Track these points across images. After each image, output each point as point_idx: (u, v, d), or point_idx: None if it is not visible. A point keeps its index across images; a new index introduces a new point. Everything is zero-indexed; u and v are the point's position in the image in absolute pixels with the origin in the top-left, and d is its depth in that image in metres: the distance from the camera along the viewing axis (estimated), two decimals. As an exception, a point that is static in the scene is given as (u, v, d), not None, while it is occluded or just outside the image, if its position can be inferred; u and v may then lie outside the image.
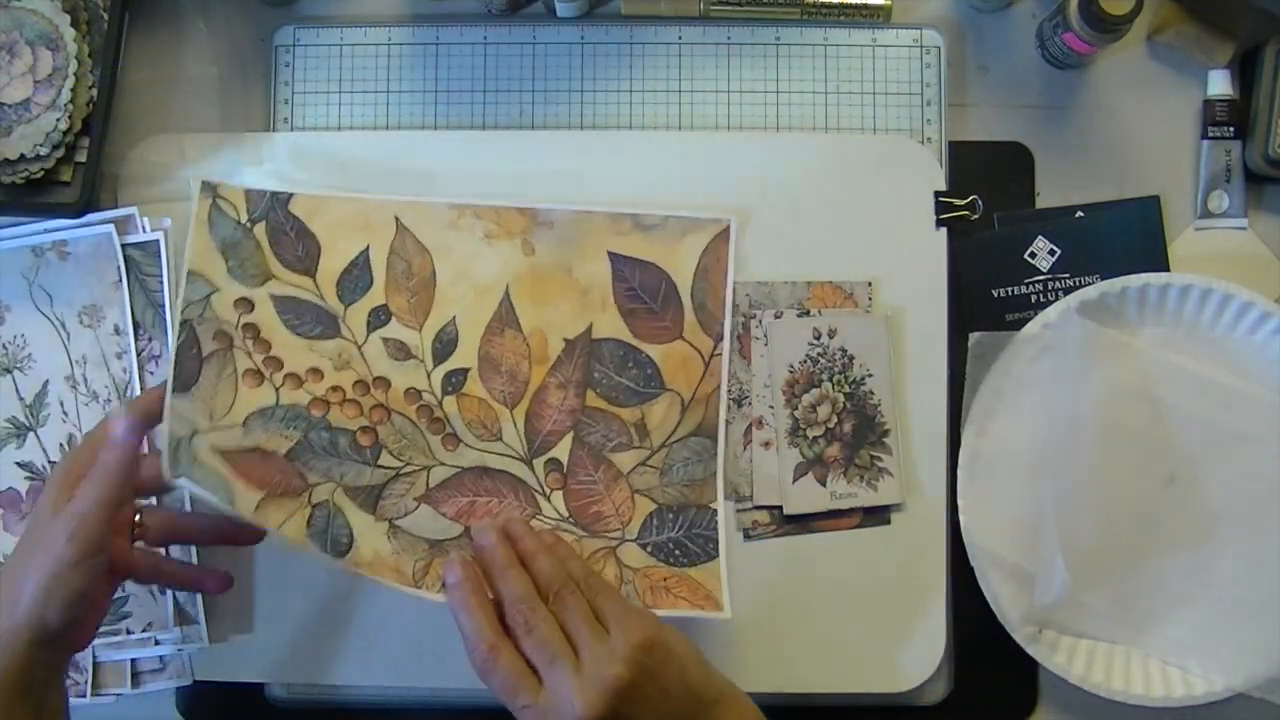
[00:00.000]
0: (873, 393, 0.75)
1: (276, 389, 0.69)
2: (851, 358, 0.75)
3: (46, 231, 0.77)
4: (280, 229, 0.73)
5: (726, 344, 0.71)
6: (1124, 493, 0.74)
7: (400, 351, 0.71)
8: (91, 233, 0.76)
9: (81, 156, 0.75)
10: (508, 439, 0.71)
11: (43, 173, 0.74)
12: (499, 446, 0.71)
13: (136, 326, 0.75)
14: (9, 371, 0.77)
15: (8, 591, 0.59)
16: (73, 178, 0.75)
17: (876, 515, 0.75)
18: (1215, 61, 0.78)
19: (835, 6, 0.79)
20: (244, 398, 0.69)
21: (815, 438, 0.75)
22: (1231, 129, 0.78)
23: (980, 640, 0.75)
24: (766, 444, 0.75)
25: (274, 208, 0.73)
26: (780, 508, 0.74)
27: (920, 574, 0.74)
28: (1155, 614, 0.73)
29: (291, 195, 0.74)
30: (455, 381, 0.71)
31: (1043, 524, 0.72)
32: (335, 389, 0.70)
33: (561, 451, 0.72)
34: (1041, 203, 0.79)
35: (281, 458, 0.68)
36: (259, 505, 0.65)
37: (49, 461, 0.76)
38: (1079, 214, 0.78)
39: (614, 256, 0.73)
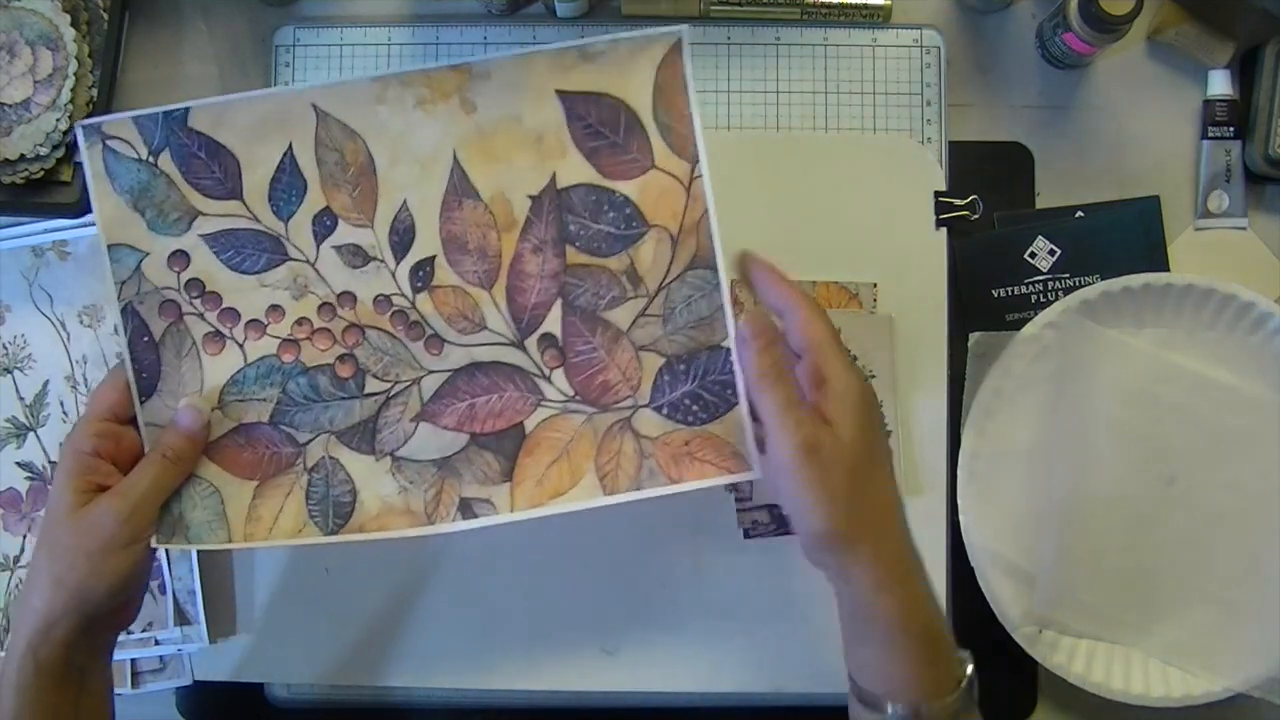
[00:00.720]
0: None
1: (241, 345, 0.65)
2: (854, 358, 0.75)
3: (47, 231, 0.77)
4: (187, 152, 0.64)
5: (704, 163, 0.64)
6: (1124, 493, 0.74)
7: (357, 257, 0.65)
8: (91, 233, 0.76)
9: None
10: (493, 325, 0.65)
11: (43, 173, 0.74)
12: (485, 336, 0.65)
13: None
14: (9, 371, 0.77)
15: (44, 577, 0.59)
16: (73, 178, 0.75)
17: (877, 515, 0.75)
18: (1215, 61, 0.78)
19: (835, 6, 0.79)
20: (211, 370, 0.65)
21: (816, 438, 0.75)
22: (1231, 129, 0.78)
23: (980, 640, 0.74)
24: (767, 444, 0.75)
25: (172, 130, 0.64)
26: (780, 507, 0.74)
27: (920, 574, 0.74)
28: (1155, 614, 0.73)
29: (188, 109, 0.64)
30: (423, 274, 0.65)
31: (1043, 524, 0.72)
32: (301, 322, 0.65)
33: (553, 324, 0.65)
34: (1041, 203, 0.79)
35: (266, 425, 0.65)
36: (254, 496, 0.64)
37: (49, 461, 0.76)
38: (1079, 214, 0.78)
39: (563, 95, 0.64)
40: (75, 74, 0.74)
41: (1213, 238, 0.78)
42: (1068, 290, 0.76)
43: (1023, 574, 0.73)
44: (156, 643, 0.74)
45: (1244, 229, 0.78)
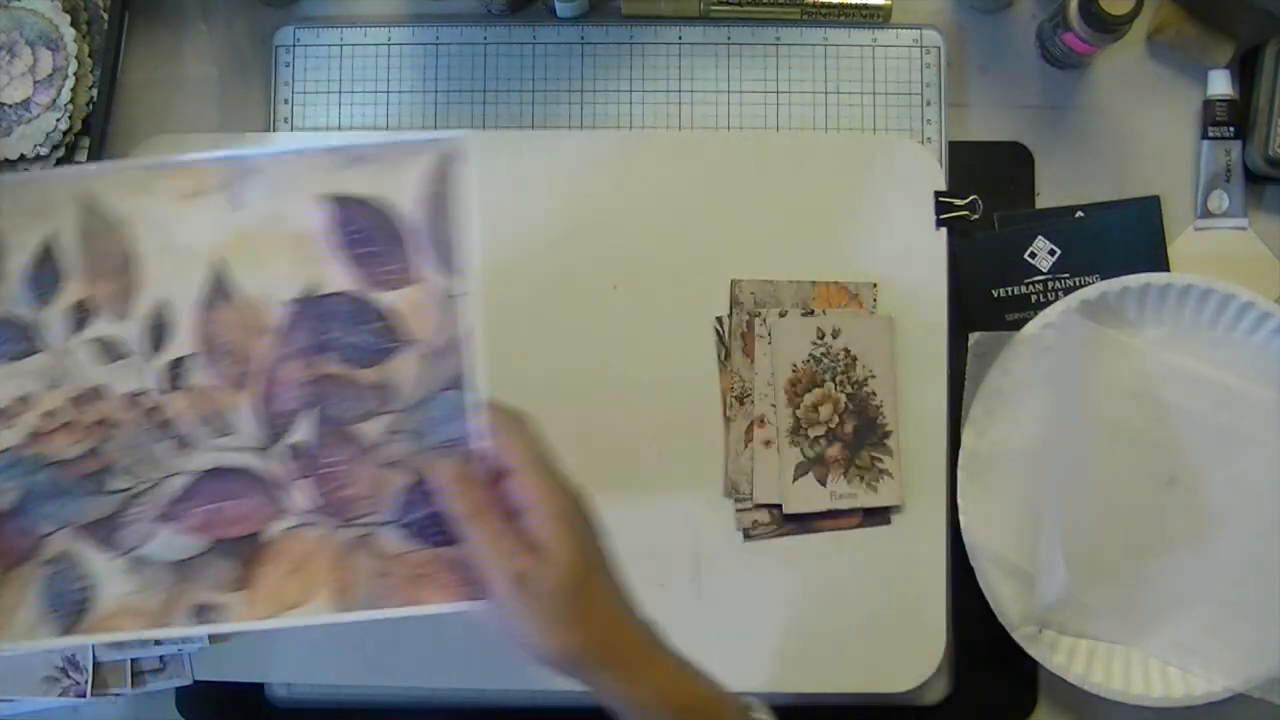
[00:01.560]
0: (875, 394, 0.75)
1: None
2: (854, 359, 0.75)
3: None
4: None
5: (471, 279, 0.61)
6: (1124, 493, 0.74)
7: (110, 351, 0.62)
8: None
9: (81, 156, 0.75)
10: (243, 429, 0.62)
11: (43, 173, 0.74)
12: (234, 440, 0.62)
13: None
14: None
15: None
16: (73, 178, 0.75)
17: (876, 515, 0.75)
18: (1215, 61, 0.78)
19: (835, 6, 0.79)
20: None
21: (816, 438, 0.75)
22: (1231, 129, 0.78)
23: (980, 640, 0.75)
24: (767, 443, 0.75)
25: None
26: (780, 507, 0.74)
27: (920, 574, 0.74)
28: (1155, 614, 0.73)
29: None
30: (177, 373, 0.62)
31: (1043, 524, 0.72)
32: (48, 414, 0.62)
33: (303, 433, 0.62)
34: (1041, 203, 0.79)
35: (6, 515, 0.62)
36: None
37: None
38: (1079, 214, 0.78)
39: (330, 199, 0.62)
40: (75, 74, 0.74)
41: (1213, 238, 0.78)
42: (1068, 290, 0.76)
43: (1023, 574, 0.73)
44: (157, 643, 0.74)
45: (1244, 229, 0.78)
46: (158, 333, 0.63)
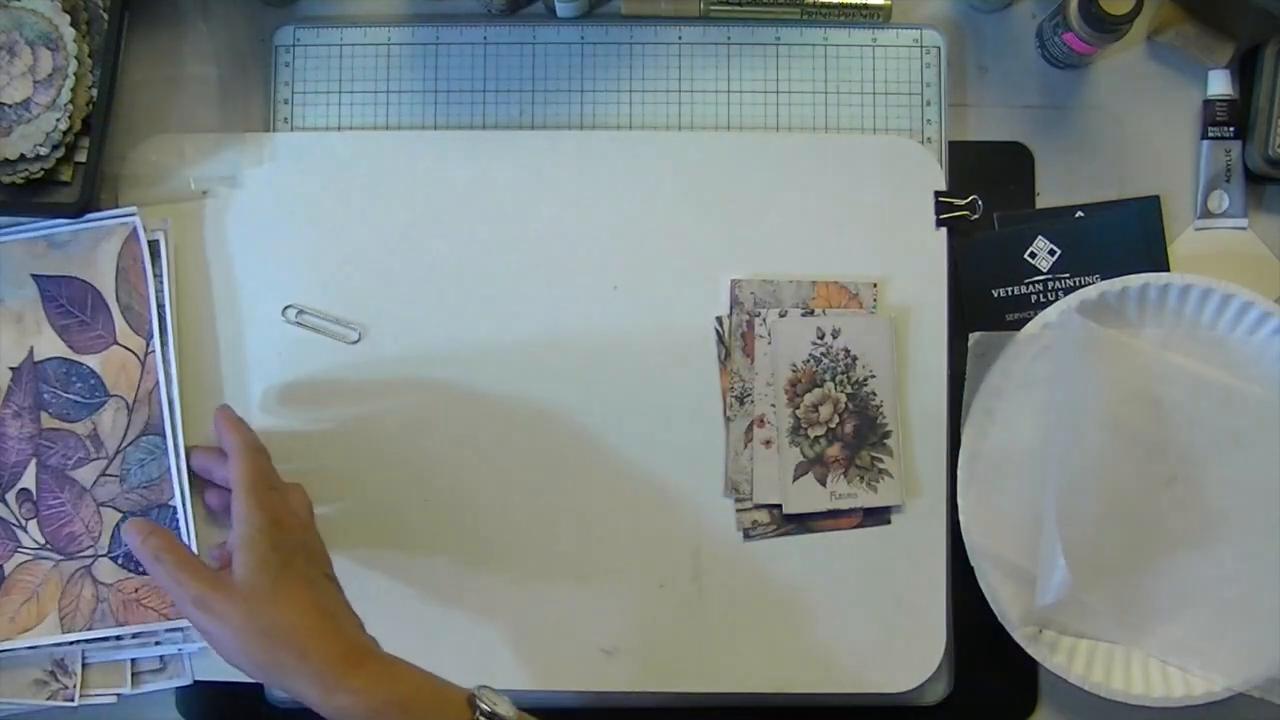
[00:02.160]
0: (875, 394, 0.75)
1: None
2: (855, 358, 0.75)
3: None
4: None
5: (158, 339, 0.72)
6: (1124, 493, 0.74)
7: None
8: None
9: (81, 156, 0.75)
10: None
11: (43, 173, 0.74)
12: None
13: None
14: None
15: None
16: (73, 178, 0.75)
17: (876, 515, 0.75)
18: (1215, 61, 0.78)
19: (835, 6, 0.79)
20: None
21: (816, 437, 0.75)
22: (1231, 129, 0.78)
23: (980, 640, 0.75)
24: (767, 443, 0.75)
25: None
26: (780, 507, 0.74)
27: (920, 574, 0.74)
28: (1155, 614, 0.73)
29: None
30: None
31: (1043, 524, 0.72)
32: None
33: (29, 480, 0.73)
34: (1041, 203, 0.79)
35: None
36: None
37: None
38: (1079, 214, 0.78)
39: (38, 278, 0.74)
40: (75, 74, 0.74)
41: (1213, 238, 0.78)
42: (1068, 290, 0.76)
43: (1023, 574, 0.73)
44: (157, 643, 0.74)
45: (1244, 229, 0.78)
46: None
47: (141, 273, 0.72)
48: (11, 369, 0.73)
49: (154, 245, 0.73)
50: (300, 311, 0.77)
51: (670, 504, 0.75)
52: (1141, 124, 0.79)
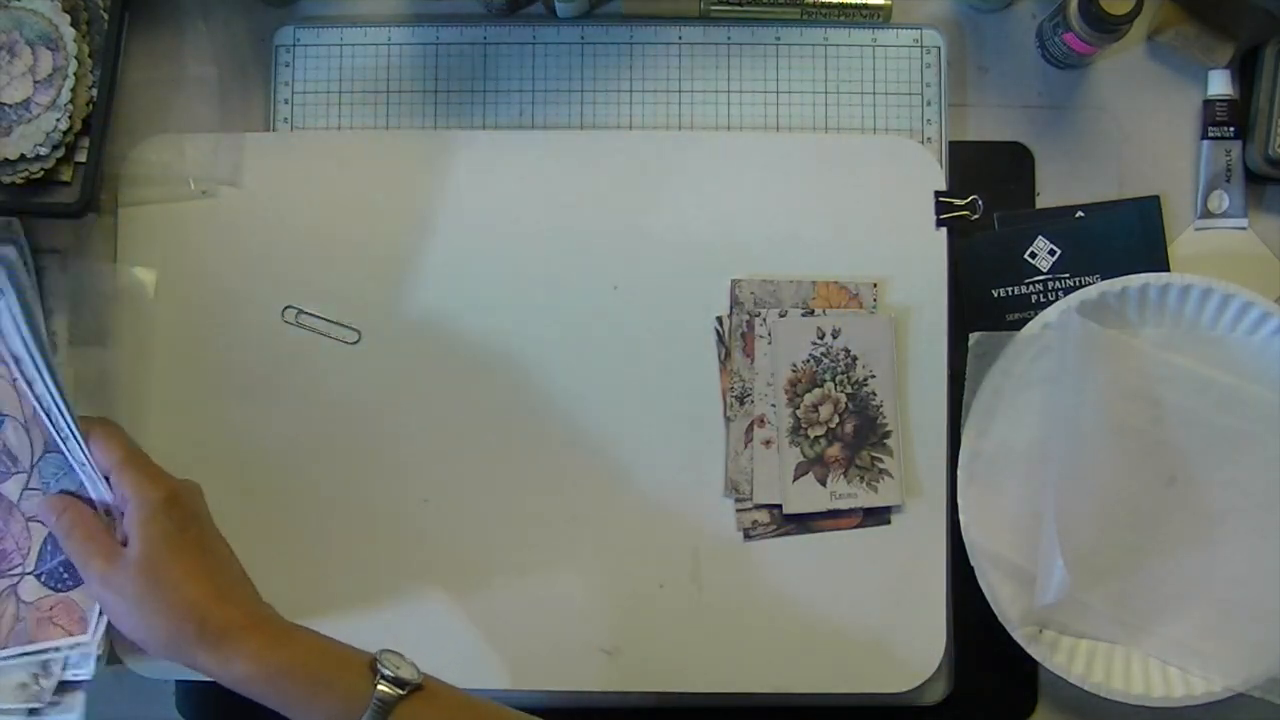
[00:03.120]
0: (875, 394, 0.75)
1: None
2: (855, 358, 0.75)
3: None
4: None
5: (15, 368, 0.68)
6: (1124, 493, 0.74)
7: None
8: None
9: (81, 156, 0.75)
10: None
11: (43, 173, 0.74)
12: None
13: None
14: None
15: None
16: (73, 178, 0.75)
17: (876, 515, 0.75)
18: (1215, 61, 0.78)
19: (835, 6, 0.79)
20: None
21: (816, 437, 0.75)
22: (1231, 129, 0.78)
23: (980, 640, 0.75)
24: (767, 443, 0.75)
25: None
26: (780, 507, 0.74)
27: (920, 574, 0.74)
28: (1155, 614, 0.73)
29: None
30: None
31: (1043, 524, 0.72)
32: None
33: None
34: (1041, 203, 0.79)
35: None
36: None
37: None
38: (1079, 214, 0.78)
39: None
40: (75, 74, 0.74)
41: (1213, 238, 0.78)
42: (1068, 290, 0.76)
43: (1023, 574, 0.73)
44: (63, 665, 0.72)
45: (1244, 229, 0.78)
46: None
47: None
48: None
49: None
50: (300, 312, 0.77)
51: (670, 504, 0.75)
52: (1141, 124, 0.79)
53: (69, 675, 0.70)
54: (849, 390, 0.75)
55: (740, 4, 0.79)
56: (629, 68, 0.79)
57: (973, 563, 0.73)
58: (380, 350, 0.77)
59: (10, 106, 0.74)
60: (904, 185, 0.77)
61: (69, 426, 0.67)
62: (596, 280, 0.77)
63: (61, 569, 0.70)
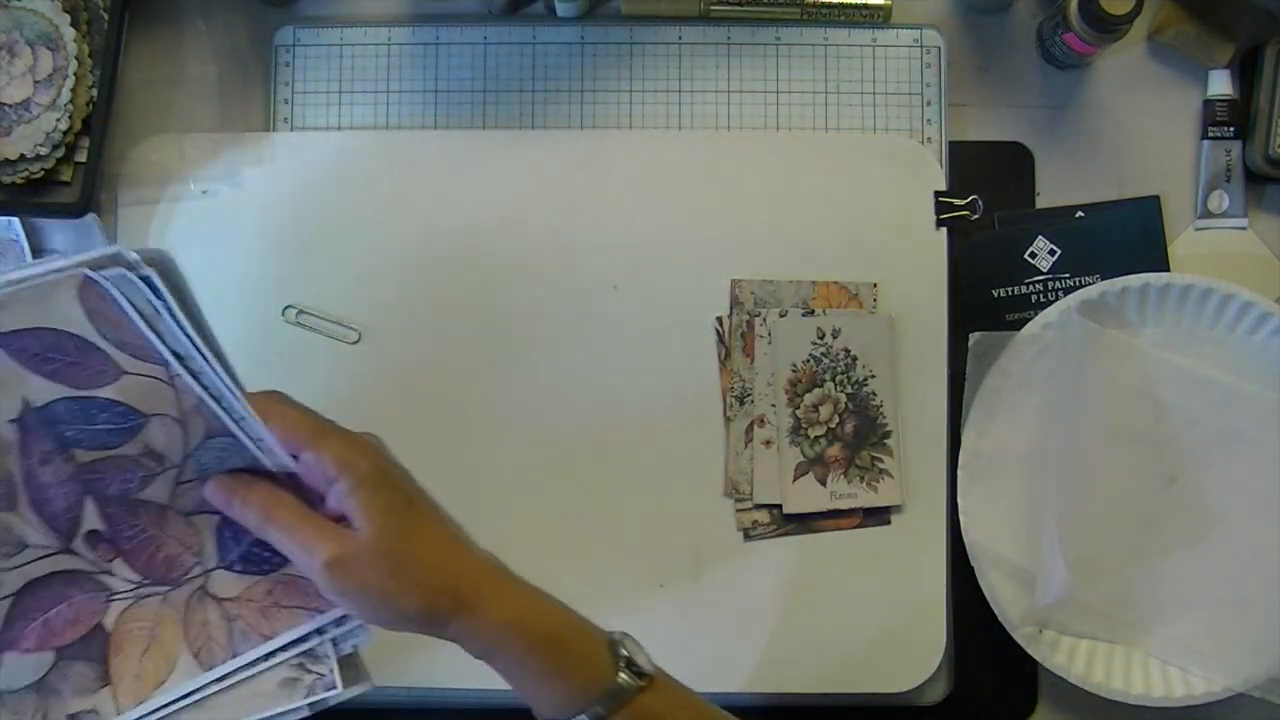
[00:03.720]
0: (875, 394, 0.75)
1: None
2: (855, 358, 0.75)
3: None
4: None
5: (178, 365, 0.58)
6: (1124, 493, 0.74)
7: None
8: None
9: (81, 156, 0.75)
10: (34, 541, 0.60)
11: (43, 173, 0.74)
12: (31, 553, 0.60)
13: None
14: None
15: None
16: (73, 178, 0.75)
17: (876, 515, 0.75)
18: (1215, 61, 0.78)
19: (835, 6, 0.79)
20: None
21: (816, 437, 0.75)
22: (1231, 129, 0.78)
23: (980, 640, 0.75)
24: (767, 442, 0.75)
25: None
26: (780, 507, 0.74)
27: (920, 574, 0.74)
28: (1155, 614, 0.73)
29: None
30: None
31: (1043, 524, 0.72)
32: None
33: (93, 519, 0.60)
34: (1041, 203, 0.79)
35: None
36: None
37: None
38: (1079, 214, 0.78)
39: None
40: (75, 74, 0.74)
41: (1213, 238, 0.78)
42: (1068, 290, 0.76)
43: (1023, 574, 0.73)
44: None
45: (1244, 229, 0.78)
46: None
47: (122, 313, 0.57)
48: (13, 420, 0.60)
49: (148, 281, 0.57)
50: (300, 311, 0.77)
51: (670, 504, 0.75)
52: (1141, 124, 0.79)
53: (346, 648, 0.61)
54: (849, 390, 0.75)
55: (740, 4, 0.79)
56: (629, 68, 0.79)
57: (973, 563, 0.73)
58: (380, 350, 0.77)
59: (10, 106, 0.74)
60: (904, 185, 0.77)
61: (242, 407, 0.57)
62: (596, 280, 0.77)
63: (257, 550, 0.60)
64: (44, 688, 0.60)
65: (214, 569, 0.61)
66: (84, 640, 0.60)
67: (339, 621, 0.59)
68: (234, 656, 0.60)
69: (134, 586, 0.61)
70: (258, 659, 0.60)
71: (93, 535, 0.61)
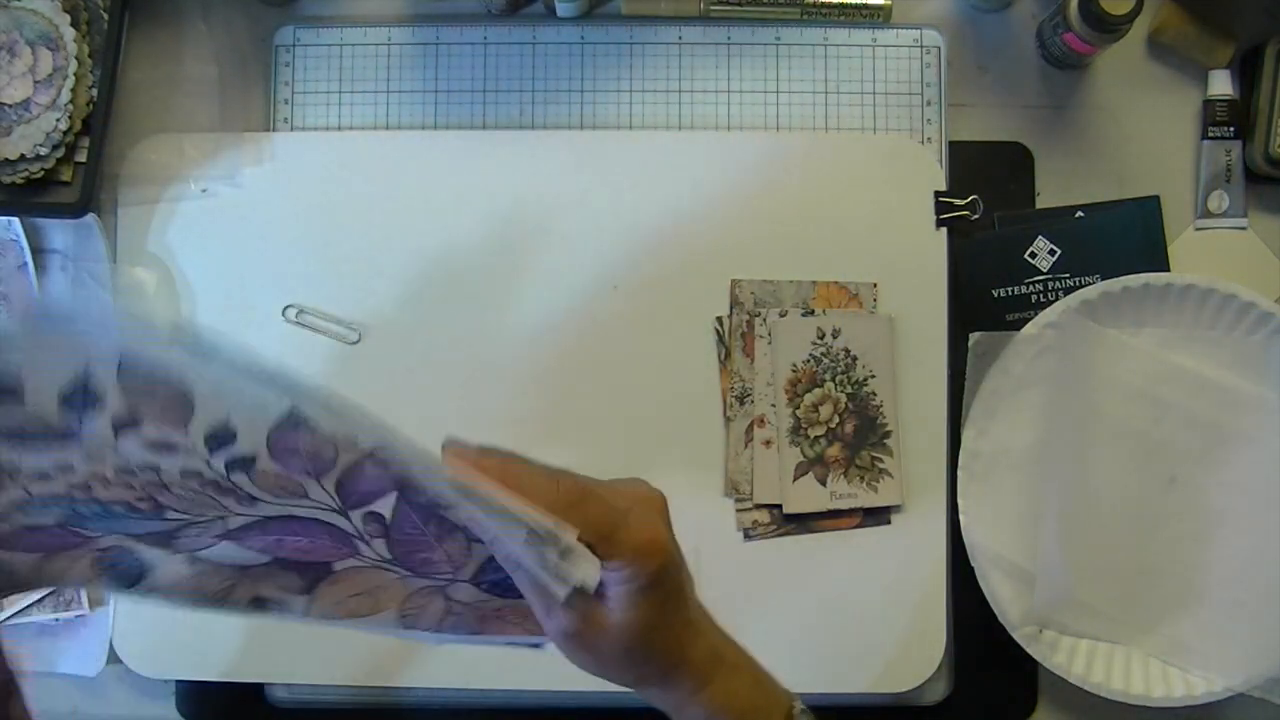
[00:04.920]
0: (875, 394, 0.75)
1: (26, 487, 0.56)
2: (855, 358, 0.75)
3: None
4: None
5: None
6: (1124, 493, 0.74)
7: (163, 448, 0.56)
8: None
9: (81, 156, 0.75)
10: (316, 497, 0.58)
11: (43, 173, 0.74)
12: (305, 504, 0.59)
13: None
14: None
15: None
16: (73, 178, 0.75)
17: (876, 515, 0.75)
18: (1215, 61, 0.78)
19: (835, 6, 0.79)
20: None
21: (816, 437, 0.75)
22: (1231, 129, 0.78)
23: (980, 640, 0.75)
24: (767, 442, 0.75)
25: None
26: (780, 507, 0.74)
27: (920, 574, 0.74)
28: (1155, 614, 0.73)
29: None
30: (242, 465, 0.57)
31: (1043, 524, 0.72)
32: (96, 475, 0.56)
33: (383, 507, 0.59)
34: (1041, 203, 0.79)
35: (52, 525, 0.56)
36: (37, 566, 0.57)
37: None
38: (1079, 214, 0.78)
39: None
40: (75, 74, 0.74)
41: (1213, 238, 0.78)
42: (1068, 290, 0.76)
43: (1023, 574, 0.73)
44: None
45: (1244, 229, 0.78)
46: (220, 439, 0.55)
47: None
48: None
49: None
50: (300, 311, 0.77)
51: (670, 504, 0.75)
52: (1141, 124, 0.79)
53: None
54: (849, 390, 0.75)
55: (740, 4, 0.79)
56: (629, 68, 0.79)
57: (973, 563, 0.73)
58: (380, 350, 0.77)
59: (10, 106, 0.74)
60: (904, 185, 0.77)
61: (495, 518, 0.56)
62: (596, 280, 0.77)
63: (509, 579, 0.59)
64: (246, 572, 0.60)
65: (462, 581, 0.61)
66: (305, 564, 0.60)
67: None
68: (437, 631, 0.61)
69: (378, 559, 0.60)
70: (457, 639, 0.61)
71: (373, 515, 0.59)
